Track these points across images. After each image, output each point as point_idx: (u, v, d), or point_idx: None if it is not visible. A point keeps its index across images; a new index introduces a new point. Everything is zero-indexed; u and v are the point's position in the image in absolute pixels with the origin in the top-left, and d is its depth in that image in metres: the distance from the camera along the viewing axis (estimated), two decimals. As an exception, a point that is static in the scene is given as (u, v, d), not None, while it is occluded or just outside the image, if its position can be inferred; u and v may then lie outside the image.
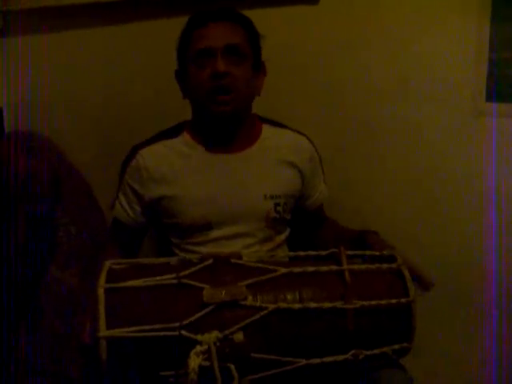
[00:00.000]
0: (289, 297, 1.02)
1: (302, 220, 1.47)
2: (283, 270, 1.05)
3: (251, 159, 1.34)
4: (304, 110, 1.72)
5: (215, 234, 1.31)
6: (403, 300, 1.05)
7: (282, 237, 1.39)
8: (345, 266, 1.06)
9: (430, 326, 1.43)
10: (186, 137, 1.35)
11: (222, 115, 1.27)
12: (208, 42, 1.26)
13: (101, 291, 0.99)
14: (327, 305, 1.02)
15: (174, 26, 1.33)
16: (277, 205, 1.33)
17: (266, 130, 1.39)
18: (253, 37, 1.32)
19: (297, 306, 1.01)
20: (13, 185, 1.50)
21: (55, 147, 1.68)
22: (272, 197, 1.33)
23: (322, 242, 1.46)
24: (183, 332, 0.97)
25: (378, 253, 1.14)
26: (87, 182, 1.71)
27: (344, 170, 1.72)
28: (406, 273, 1.08)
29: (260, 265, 1.07)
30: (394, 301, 1.04)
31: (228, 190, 1.31)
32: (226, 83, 1.24)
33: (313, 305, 1.01)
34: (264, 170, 1.34)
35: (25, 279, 1.49)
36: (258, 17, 1.51)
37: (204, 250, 1.27)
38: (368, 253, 1.15)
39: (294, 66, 1.71)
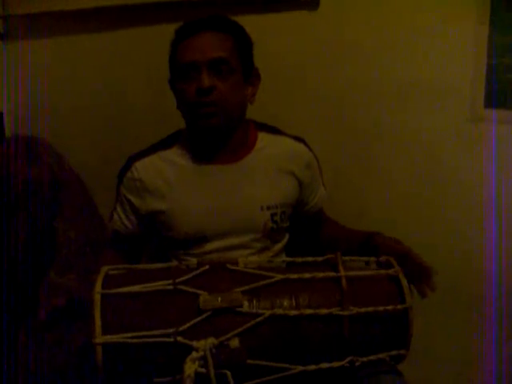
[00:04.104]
0: (285, 303, 1.02)
1: (301, 223, 1.45)
2: (280, 277, 1.04)
3: (247, 169, 1.32)
4: (303, 116, 1.73)
5: (211, 246, 1.30)
6: (400, 306, 1.04)
7: (280, 245, 1.38)
8: (341, 273, 1.05)
9: (428, 331, 1.43)
10: (180, 147, 1.33)
11: (210, 128, 1.25)
12: (192, 55, 1.22)
13: (97, 297, 0.99)
14: (323, 311, 1.01)
15: (173, 31, 1.31)
16: (274, 215, 1.31)
17: (262, 137, 1.36)
18: (243, 46, 1.28)
19: (293, 312, 1.00)
20: (13, 189, 1.50)
21: (55, 152, 1.68)
22: (268, 207, 1.30)
23: (323, 241, 1.46)
24: (179, 338, 0.96)
25: (374, 258, 1.14)
26: (87, 187, 1.72)
27: (342, 175, 1.73)
28: (403, 279, 1.07)
29: (256, 271, 1.07)
30: (390, 307, 1.04)
31: (223, 202, 1.29)
32: (212, 99, 1.22)
33: (309, 311, 1.01)
34: (260, 179, 1.32)
35: (24, 284, 1.49)
36: (258, 23, 1.52)
37: None
38: (365, 259, 1.15)
39: (293, 71, 1.72)
